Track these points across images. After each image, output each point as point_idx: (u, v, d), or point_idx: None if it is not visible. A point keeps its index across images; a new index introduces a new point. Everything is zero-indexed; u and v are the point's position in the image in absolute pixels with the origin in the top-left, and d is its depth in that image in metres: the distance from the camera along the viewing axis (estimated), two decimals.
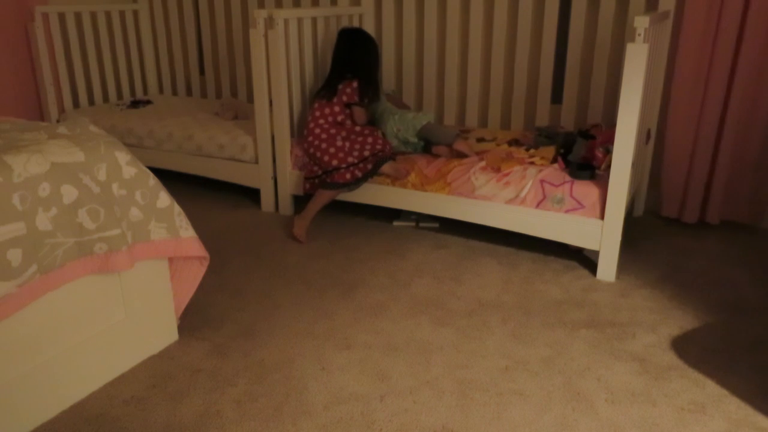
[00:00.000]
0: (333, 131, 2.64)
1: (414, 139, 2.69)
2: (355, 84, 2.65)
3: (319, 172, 2.66)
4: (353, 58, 2.72)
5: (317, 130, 2.66)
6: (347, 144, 2.62)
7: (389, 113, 2.74)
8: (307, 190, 2.74)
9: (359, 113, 2.69)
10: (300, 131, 2.93)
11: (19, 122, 1.84)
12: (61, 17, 3.52)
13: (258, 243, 2.63)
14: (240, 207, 3.07)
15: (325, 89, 2.72)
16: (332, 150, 2.61)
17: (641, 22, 2.00)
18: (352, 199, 2.74)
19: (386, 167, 2.60)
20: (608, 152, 2.32)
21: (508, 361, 1.80)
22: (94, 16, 3.71)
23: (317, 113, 2.68)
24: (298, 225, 2.64)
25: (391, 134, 2.71)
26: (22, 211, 1.40)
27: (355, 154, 2.60)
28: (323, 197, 2.65)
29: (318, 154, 2.65)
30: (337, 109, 2.67)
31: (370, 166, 2.59)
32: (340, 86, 2.66)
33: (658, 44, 2.47)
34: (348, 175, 2.59)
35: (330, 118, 2.67)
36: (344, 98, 2.66)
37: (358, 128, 2.68)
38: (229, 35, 3.81)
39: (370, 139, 2.63)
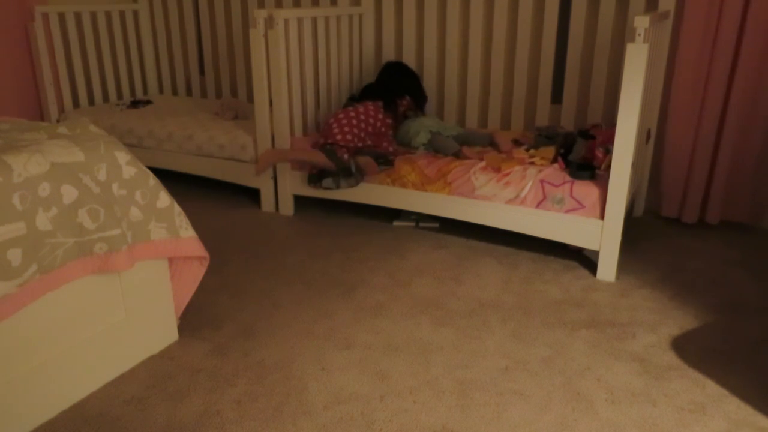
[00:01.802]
0: (355, 123, 2.71)
1: (446, 133, 2.82)
2: (408, 98, 2.97)
3: (330, 141, 2.71)
4: (404, 83, 3.02)
5: (352, 113, 2.74)
6: (362, 135, 2.70)
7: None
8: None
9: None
10: (302, 130, 2.93)
11: (19, 122, 1.84)
12: (61, 17, 3.52)
13: (258, 243, 2.63)
14: (240, 207, 3.07)
15: (380, 98, 2.90)
16: (346, 128, 2.68)
17: (641, 22, 2.00)
18: (352, 199, 2.74)
19: (361, 158, 2.66)
20: (608, 152, 2.33)
21: (508, 361, 1.80)
22: (94, 16, 3.71)
23: (362, 109, 2.78)
24: (268, 155, 2.73)
25: (429, 125, 2.84)
26: (22, 211, 1.40)
27: (360, 144, 2.69)
28: (312, 154, 2.67)
29: (331, 124, 2.71)
30: (380, 116, 2.81)
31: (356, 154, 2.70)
32: (396, 100, 2.92)
33: (658, 44, 2.48)
34: (346, 156, 2.63)
35: (370, 119, 2.76)
36: (401, 109, 2.91)
37: (380, 139, 2.77)
38: (229, 35, 3.81)
39: (379, 140, 2.74)
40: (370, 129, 2.76)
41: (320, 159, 2.64)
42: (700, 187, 2.71)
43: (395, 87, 2.99)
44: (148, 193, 1.71)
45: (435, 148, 2.72)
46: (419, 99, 3.06)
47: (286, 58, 2.76)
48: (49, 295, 1.50)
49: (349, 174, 2.63)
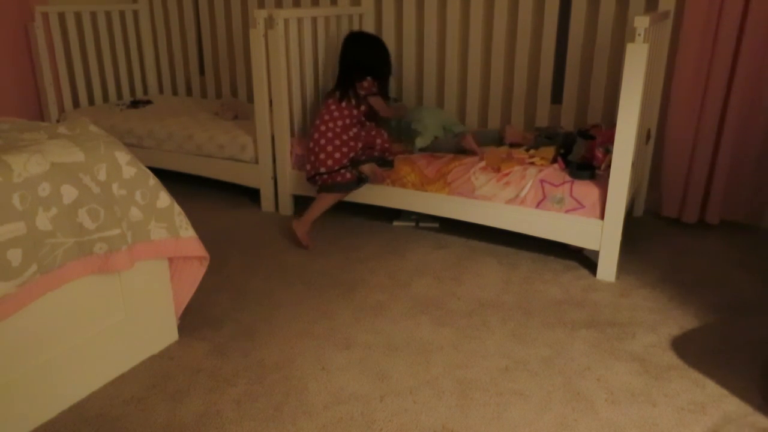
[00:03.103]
0: (339, 130, 2.57)
1: (456, 130, 2.78)
2: (369, 79, 2.61)
3: (312, 173, 2.61)
4: (363, 60, 2.66)
5: (323, 128, 2.58)
6: (350, 145, 2.58)
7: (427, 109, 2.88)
8: (317, 191, 2.69)
9: (379, 103, 2.64)
10: (302, 130, 2.93)
11: (19, 122, 1.84)
12: (61, 17, 3.52)
13: (258, 243, 2.63)
14: (240, 207, 3.07)
15: (337, 89, 2.65)
16: (330, 148, 2.55)
17: (641, 22, 2.00)
18: (352, 199, 2.73)
19: (366, 167, 2.60)
20: (608, 152, 2.32)
21: (508, 361, 1.80)
22: (94, 16, 3.71)
23: (326, 113, 2.61)
24: (299, 229, 2.58)
25: (432, 126, 2.76)
26: (22, 211, 1.40)
27: (351, 155, 2.57)
28: (326, 200, 2.61)
29: (316, 149, 2.58)
30: (346, 112, 2.59)
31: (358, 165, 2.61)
32: (355, 84, 2.61)
33: (658, 44, 2.47)
34: (348, 175, 2.58)
35: (339, 120, 2.59)
36: (361, 92, 2.60)
37: (364, 132, 2.66)
38: (229, 35, 3.81)
39: (371, 139, 2.65)
40: (351, 131, 2.60)
41: (337, 198, 2.63)
42: (700, 187, 2.71)
43: (352, 69, 2.66)
44: (148, 193, 1.71)
45: (435, 149, 2.72)
46: (380, 75, 2.70)
47: (286, 58, 2.76)
48: (49, 295, 1.50)
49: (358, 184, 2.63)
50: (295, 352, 1.85)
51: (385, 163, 2.64)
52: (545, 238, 2.41)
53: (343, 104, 2.60)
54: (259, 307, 2.11)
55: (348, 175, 2.57)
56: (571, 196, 2.30)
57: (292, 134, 2.89)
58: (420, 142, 2.71)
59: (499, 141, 2.79)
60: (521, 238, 2.57)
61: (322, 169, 2.57)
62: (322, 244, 2.62)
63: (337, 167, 2.55)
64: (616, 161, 2.17)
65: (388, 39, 3.31)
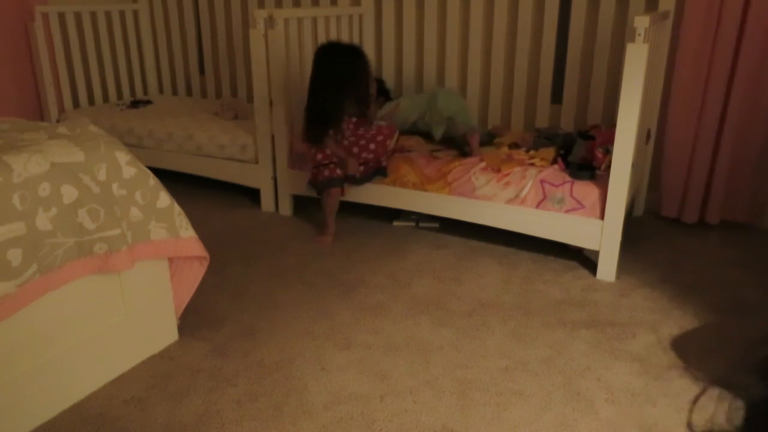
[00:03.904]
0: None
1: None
2: (331, 132, 2.52)
3: (311, 175, 2.64)
4: (326, 98, 2.48)
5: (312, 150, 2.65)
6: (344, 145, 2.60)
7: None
8: (318, 193, 2.70)
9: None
10: (302, 130, 2.93)
11: (19, 122, 1.84)
12: (61, 17, 3.52)
13: (258, 243, 2.63)
14: (240, 207, 3.07)
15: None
16: (321, 153, 2.59)
17: (641, 22, 2.00)
18: (352, 199, 2.74)
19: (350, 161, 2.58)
20: (608, 152, 2.33)
21: (508, 361, 1.80)
22: (94, 16, 3.71)
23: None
24: (325, 242, 2.62)
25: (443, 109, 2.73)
26: (22, 211, 1.40)
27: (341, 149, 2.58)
28: (327, 202, 2.62)
29: (308, 155, 2.65)
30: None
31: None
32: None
33: (658, 44, 2.48)
34: (338, 171, 2.55)
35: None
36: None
37: (362, 138, 2.64)
38: (229, 35, 3.81)
39: (368, 144, 2.62)
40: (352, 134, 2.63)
41: (335, 196, 2.61)
42: (700, 187, 2.71)
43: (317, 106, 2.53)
44: (148, 193, 1.71)
45: (452, 135, 2.74)
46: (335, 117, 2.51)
47: (286, 58, 2.76)
48: (49, 295, 1.50)
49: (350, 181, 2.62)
50: (295, 352, 1.85)
51: (380, 171, 2.63)
52: (545, 238, 2.41)
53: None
54: (259, 307, 2.11)
55: (338, 171, 2.55)
56: (571, 196, 2.30)
57: (292, 134, 2.89)
58: (438, 131, 2.77)
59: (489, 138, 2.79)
60: (521, 238, 2.57)
61: (316, 162, 2.58)
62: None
63: (326, 161, 2.55)
64: (616, 161, 2.17)
65: (388, 39, 3.32)
